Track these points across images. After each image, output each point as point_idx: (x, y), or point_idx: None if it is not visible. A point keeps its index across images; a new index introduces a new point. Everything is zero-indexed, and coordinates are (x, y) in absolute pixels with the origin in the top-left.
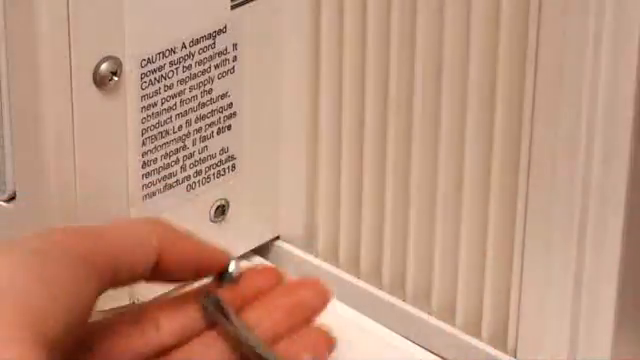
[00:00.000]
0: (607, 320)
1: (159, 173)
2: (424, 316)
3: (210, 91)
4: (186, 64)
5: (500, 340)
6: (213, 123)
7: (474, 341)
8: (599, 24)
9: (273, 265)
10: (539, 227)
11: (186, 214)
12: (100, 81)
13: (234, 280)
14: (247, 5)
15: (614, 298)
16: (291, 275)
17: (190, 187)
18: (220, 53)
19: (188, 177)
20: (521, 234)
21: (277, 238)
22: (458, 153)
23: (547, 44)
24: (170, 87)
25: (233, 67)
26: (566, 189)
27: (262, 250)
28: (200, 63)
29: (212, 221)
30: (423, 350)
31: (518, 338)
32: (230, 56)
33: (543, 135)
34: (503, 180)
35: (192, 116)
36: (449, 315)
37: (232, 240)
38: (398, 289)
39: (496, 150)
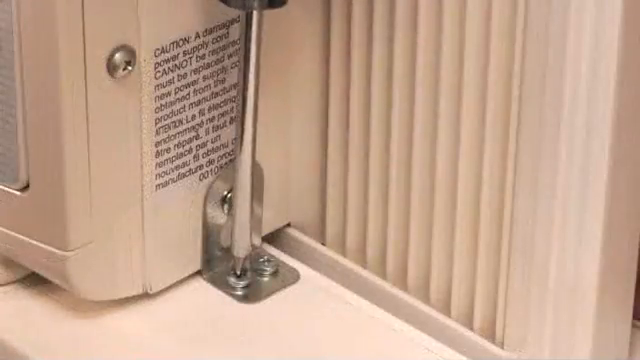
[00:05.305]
0: (587, 319)
1: (172, 162)
2: (422, 307)
3: (223, 80)
4: (200, 54)
5: (489, 332)
6: (226, 112)
7: (467, 332)
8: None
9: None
10: (524, 229)
11: (199, 203)
12: (114, 70)
13: None
14: None
15: (595, 296)
16: (299, 262)
17: (203, 176)
18: (233, 42)
19: (201, 166)
20: (507, 237)
21: (288, 225)
22: (453, 150)
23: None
24: (184, 77)
25: None
26: (550, 188)
27: (273, 237)
28: (214, 53)
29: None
30: (422, 334)
31: (505, 329)
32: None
33: (529, 131)
34: (493, 181)
35: (205, 105)
36: (445, 305)
37: None
38: (400, 280)
39: (487, 151)
